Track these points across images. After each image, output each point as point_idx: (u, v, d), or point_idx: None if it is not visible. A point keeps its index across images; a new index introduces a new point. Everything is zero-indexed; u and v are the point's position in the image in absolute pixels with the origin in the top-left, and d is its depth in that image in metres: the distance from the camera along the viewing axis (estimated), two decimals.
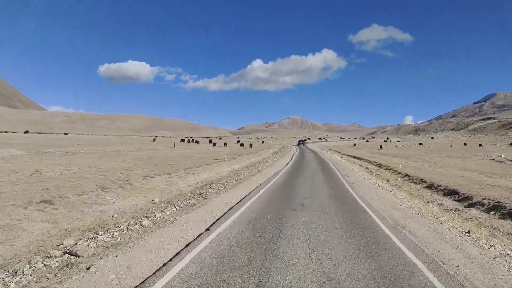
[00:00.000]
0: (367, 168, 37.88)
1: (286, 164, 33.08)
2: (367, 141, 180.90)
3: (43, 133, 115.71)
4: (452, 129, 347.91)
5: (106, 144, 63.90)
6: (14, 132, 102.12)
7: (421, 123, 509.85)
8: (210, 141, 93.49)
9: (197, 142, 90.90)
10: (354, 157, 55.46)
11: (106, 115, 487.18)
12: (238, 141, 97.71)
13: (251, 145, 76.96)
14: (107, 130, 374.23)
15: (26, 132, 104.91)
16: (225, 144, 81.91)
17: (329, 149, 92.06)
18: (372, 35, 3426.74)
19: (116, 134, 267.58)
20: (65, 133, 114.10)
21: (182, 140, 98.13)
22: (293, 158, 43.99)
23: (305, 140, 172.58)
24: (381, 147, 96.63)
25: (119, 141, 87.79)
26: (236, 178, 21.15)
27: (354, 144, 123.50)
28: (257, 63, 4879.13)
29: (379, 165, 40.69)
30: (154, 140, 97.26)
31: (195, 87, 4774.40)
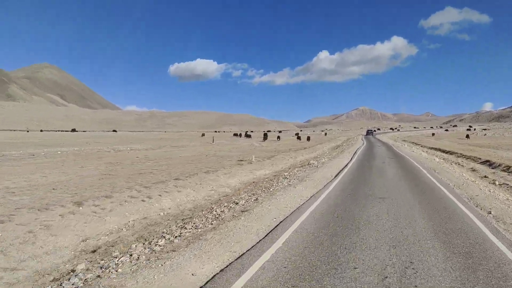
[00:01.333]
0: (475, 171, 23.35)
1: (341, 171, 19.57)
2: (447, 130, 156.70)
3: (94, 131, 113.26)
4: None
5: (134, 141, 54.62)
6: (60, 131, 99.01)
7: (503, 110, 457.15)
8: (265, 135, 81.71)
9: (248, 136, 79.57)
10: (442, 151, 39.98)
11: (175, 113, 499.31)
12: (296, 134, 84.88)
13: (308, 138, 63.54)
14: (176, 127, 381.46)
15: (74, 130, 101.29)
16: (278, 137, 69.47)
17: (403, 140, 75.59)
18: (445, 18, 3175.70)
19: (181, 130, 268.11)
20: (114, 131, 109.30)
21: (235, 135, 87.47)
22: (356, 156, 29.84)
23: (374, 130, 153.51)
24: (467, 136, 77.26)
25: (162, 137, 79.46)
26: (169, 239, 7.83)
27: (433, 134, 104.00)
28: (323, 54, 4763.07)
29: (494, 166, 25.66)
30: (203, 135, 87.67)
31: (261, 82, 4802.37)
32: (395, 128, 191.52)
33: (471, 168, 24.44)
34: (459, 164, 27.36)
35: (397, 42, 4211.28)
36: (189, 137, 74.22)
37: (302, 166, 24.16)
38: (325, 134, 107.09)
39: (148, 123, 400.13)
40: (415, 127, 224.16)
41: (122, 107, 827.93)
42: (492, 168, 24.17)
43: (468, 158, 30.62)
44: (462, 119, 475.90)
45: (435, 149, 42.91)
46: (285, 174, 19.36)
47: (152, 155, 29.30)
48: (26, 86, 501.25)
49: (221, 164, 22.43)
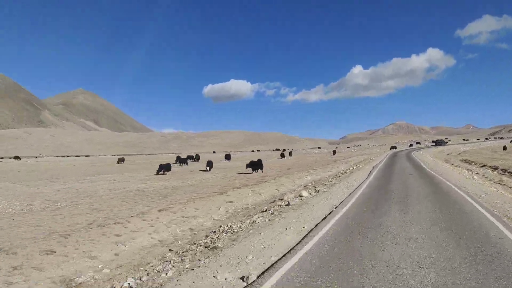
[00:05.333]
0: None
1: None
2: None
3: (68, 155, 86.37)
4: None
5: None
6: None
7: None
8: (228, 155, 48.76)
9: (191, 158, 46.24)
10: None
11: (202, 133, 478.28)
12: (290, 153, 51.75)
13: (282, 155, 30.55)
14: (201, 147, 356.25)
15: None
16: (226, 158, 35.90)
17: (469, 161, 39.57)
18: (483, 27, 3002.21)
19: (205, 151, 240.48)
20: (16, 157, 77.90)
21: (178, 160, 54.44)
22: None
23: (442, 141, 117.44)
24: None
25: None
26: None
27: (504, 148, 65.35)
28: (357, 69, 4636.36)
29: None
30: (120, 161, 55.52)
31: (295, 100, 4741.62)
32: (439, 141, 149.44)
33: None
34: None
35: (433, 54, 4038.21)
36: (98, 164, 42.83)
37: None
38: (334, 152, 71.27)
39: (171, 145, 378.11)
40: (464, 139, 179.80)
41: (158, 130, 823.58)
42: None
43: None
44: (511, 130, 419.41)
45: None
46: None
47: None
48: (60, 112, 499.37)
49: None
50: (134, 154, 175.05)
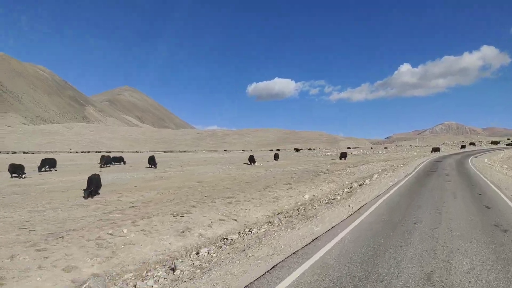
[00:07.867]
0: None
1: None
2: None
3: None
4: None
5: None
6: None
7: None
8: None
9: None
10: None
11: (237, 131, 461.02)
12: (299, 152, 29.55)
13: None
14: (233, 145, 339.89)
15: None
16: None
17: None
18: None
19: (238, 149, 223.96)
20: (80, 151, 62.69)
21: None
22: None
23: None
24: None
25: None
26: None
27: None
28: (405, 67, 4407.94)
29: None
30: None
31: (339, 98, 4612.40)
32: (497, 142, 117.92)
33: None
34: None
35: (487, 52, 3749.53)
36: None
37: None
38: (341, 156, 47.14)
39: (206, 142, 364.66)
40: None
41: (202, 127, 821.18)
42: None
43: None
44: None
45: None
46: None
47: None
48: (104, 108, 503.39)
49: None
50: (163, 151, 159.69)
